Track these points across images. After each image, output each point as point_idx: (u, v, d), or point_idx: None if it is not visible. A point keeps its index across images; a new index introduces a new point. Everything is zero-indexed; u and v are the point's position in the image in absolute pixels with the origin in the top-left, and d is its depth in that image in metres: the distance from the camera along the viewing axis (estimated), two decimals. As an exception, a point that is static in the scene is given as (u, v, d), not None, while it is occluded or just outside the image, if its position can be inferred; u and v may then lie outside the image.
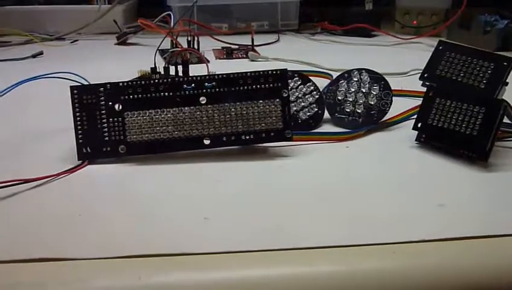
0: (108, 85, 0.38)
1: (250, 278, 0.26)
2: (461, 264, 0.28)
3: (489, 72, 0.39)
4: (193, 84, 0.39)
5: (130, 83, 0.39)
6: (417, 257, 0.28)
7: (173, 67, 0.60)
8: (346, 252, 0.28)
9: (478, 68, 0.39)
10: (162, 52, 0.74)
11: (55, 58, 0.75)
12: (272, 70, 0.39)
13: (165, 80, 0.39)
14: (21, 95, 0.50)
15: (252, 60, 0.74)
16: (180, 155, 0.39)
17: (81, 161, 0.38)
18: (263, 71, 0.39)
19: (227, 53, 0.78)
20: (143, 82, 0.39)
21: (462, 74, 0.40)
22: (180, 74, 0.59)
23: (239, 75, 0.39)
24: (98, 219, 0.31)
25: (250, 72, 0.39)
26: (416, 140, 0.42)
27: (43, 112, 0.51)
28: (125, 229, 0.30)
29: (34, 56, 0.75)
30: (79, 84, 0.42)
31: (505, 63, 0.38)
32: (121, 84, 0.38)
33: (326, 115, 0.47)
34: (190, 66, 0.60)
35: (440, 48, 0.42)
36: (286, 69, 0.40)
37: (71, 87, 0.38)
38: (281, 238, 0.29)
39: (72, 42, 0.88)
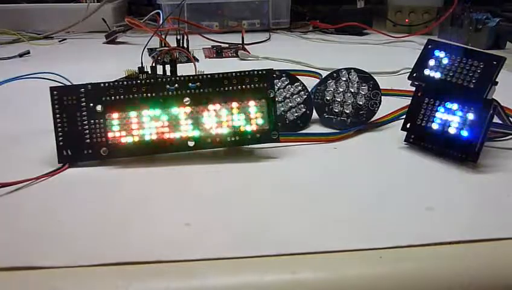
0: (89, 86, 0.37)
1: (232, 286, 0.26)
2: (450, 270, 0.27)
3: (478, 71, 0.38)
4: (176, 85, 0.38)
5: (111, 83, 0.38)
6: (404, 262, 0.27)
7: (161, 66, 0.59)
8: (331, 257, 0.27)
9: (467, 67, 0.38)
10: (151, 51, 0.73)
11: (42, 57, 0.75)
12: (258, 71, 0.38)
13: (147, 81, 0.38)
14: (3, 95, 0.49)
15: (242, 59, 0.73)
16: (163, 158, 0.38)
17: (61, 164, 0.37)
18: (249, 71, 0.38)
19: (217, 52, 0.77)
20: (125, 83, 0.38)
21: (451, 74, 0.39)
22: (168, 73, 0.58)
23: (224, 76, 0.38)
24: (76, 225, 0.30)
25: (236, 72, 0.38)
26: (405, 141, 0.41)
27: (25, 113, 0.50)
28: (104, 235, 0.29)
29: (20, 55, 0.74)
30: (61, 84, 0.41)
31: (495, 62, 0.37)
32: (102, 84, 0.37)
33: (315, 115, 0.46)
34: (178, 65, 0.59)
35: (429, 46, 0.41)
36: (272, 69, 0.39)
37: (51, 88, 0.37)
38: (264, 245, 0.28)
39: (60, 41, 0.87)
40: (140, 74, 0.57)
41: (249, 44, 0.81)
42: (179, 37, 0.69)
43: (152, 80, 0.38)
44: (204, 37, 0.86)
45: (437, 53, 0.40)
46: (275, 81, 0.45)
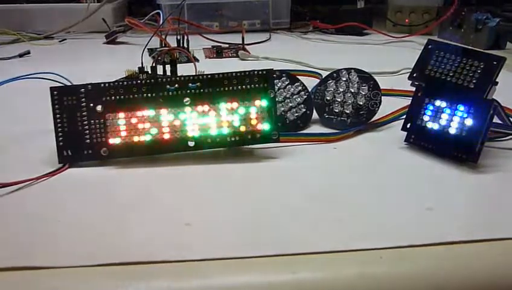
0: (90, 86, 0.37)
1: (232, 286, 0.26)
2: (450, 270, 0.27)
3: (478, 71, 0.38)
4: (176, 85, 0.38)
5: (111, 83, 0.38)
6: (404, 262, 0.27)
7: (161, 66, 0.59)
8: (331, 257, 0.27)
9: (468, 68, 0.38)
10: (151, 51, 0.73)
11: (43, 57, 0.75)
12: (258, 71, 0.38)
13: (147, 81, 0.38)
14: (3, 96, 0.49)
15: (242, 59, 0.73)
16: (163, 158, 0.38)
17: (62, 164, 0.37)
18: (249, 71, 0.38)
19: (218, 52, 0.77)
20: (125, 83, 0.38)
21: (451, 74, 0.39)
22: (168, 73, 0.58)
23: (224, 76, 0.38)
24: (76, 225, 0.30)
25: (236, 72, 0.38)
26: (405, 141, 0.41)
27: (25, 113, 0.50)
28: (104, 235, 0.29)
29: (21, 55, 0.74)
30: (61, 84, 0.41)
31: (495, 62, 0.37)
32: (102, 85, 0.37)
33: (315, 115, 0.46)
34: (179, 65, 0.59)
35: (429, 46, 0.41)
36: (272, 69, 0.39)
37: (51, 88, 0.37)
38: (264, 244, 0.28)
39: (60, 41, 0.87)
40: (141, 73, 0.57)
41: (249, 44, 0.81)
42: (179, 37, 0.69)
43: (152, 80, 0.38)
44: (204, 37, 0.86)
45: (437, 53, 0.40)
46: (275, 81, 0.45)
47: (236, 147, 0.39)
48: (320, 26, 0.95)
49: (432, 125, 0.39)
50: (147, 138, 0.38)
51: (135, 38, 0.87)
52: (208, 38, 0.85)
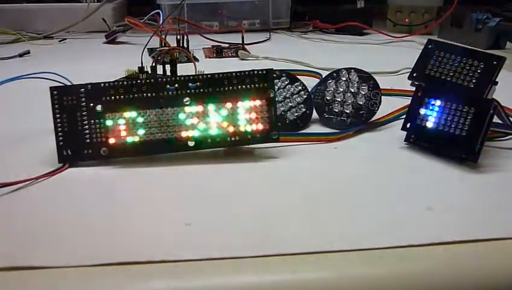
0: (89, 86, 0.37)
1: (232, 286, 0.26)
2: (450, 270, 0.27)
3: (478, 71, 0.38)
4: (176, 85, 0.38)
5: (111, 83, 0.38)
6: (404, 263, 0.27)
7: (161, 66, 0.59)
8: (331, 257, 0.27)
9: (468, 67, 0.38)
10: (151, 51, 0.73)
11: (42, 57, 0.75)
12: (258, 70, 0.38)
13: (147, 81, 0.38)
14: (3, 95, 0.49)
15: (242, 59, 0.73)
16: (163, 158, 0.38)
17: (61, 164, 0.37)
18: (249, 71, 0.38)
19: (217, 52, 0.77)
20: (125, 82, 0.38)
21: (451, 73, 0.39)
22: (168, 73, 0.58)
23: (224, 75, 0.38)
24: (76, 225, 0.30)
25: (236, 72, 0.38)
26: (405, 141, 0.41)
27: (25, 113, 0.50)
28: (104, 235, 0.29)
29: (20, 55, 0.74)
30: (62, 84, 0.41)
31: (495, 62, 0.38)
32: (102, 84, 0.37)
33: (315, 115, 0.46)
34: (179, 65, 0.59)
35: (429, 46, 0.41)
36: (272, 69, 0.39)
37: (51, 88, 0.37)
38: (264, 245, 0.28)
39: (60, 41, 0.87)
40: (141, 73, 0.57)
41: (249, 44, 0.81)
42: (179, 37, 0.69)
43: (152, 80, 0.38)
44: (204, 37, 0.86)
45: (437, 53, 0.40)
46: (275, 81, 0.45)
47: (236, 147, 0.39)
48: (320, 26, 0.96)
49: (432, 125, 0.39)
50: (146, 138, 0.38)
51: (135, 38, 0.87)
52: (207, 38, 0.85)
